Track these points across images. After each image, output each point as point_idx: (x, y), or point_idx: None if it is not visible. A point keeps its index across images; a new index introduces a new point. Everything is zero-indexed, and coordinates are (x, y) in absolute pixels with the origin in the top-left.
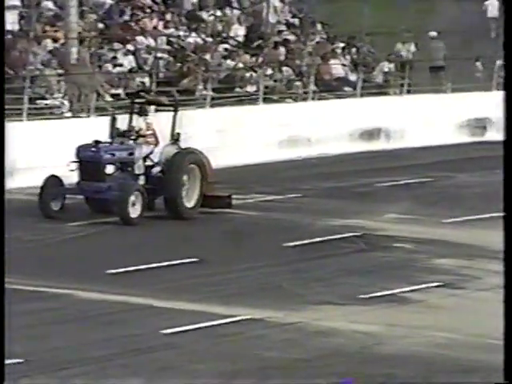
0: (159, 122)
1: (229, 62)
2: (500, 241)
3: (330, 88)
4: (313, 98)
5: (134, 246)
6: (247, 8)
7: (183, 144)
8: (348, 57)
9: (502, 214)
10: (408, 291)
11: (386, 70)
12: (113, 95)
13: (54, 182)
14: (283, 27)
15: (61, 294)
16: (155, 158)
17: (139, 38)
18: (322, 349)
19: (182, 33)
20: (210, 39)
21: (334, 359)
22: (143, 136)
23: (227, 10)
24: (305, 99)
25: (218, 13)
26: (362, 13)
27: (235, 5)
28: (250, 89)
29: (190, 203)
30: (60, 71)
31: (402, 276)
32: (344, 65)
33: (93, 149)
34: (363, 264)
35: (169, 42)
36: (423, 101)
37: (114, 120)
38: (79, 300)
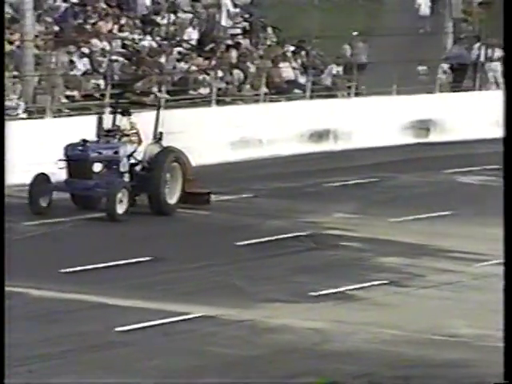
0: (141, 121)
1: (182, 64)
2: (443, 239)
3: (281, 90)
4: (264, 100)
5: (94, 245)
6: (200, 12)
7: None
8: (298, 60)
9: (445, 213)
10: (355, 289)
11: (334, 72)
12: (67, 97)
13: (42, 179)
14: (235, 31)
15: (13, 293)
16: (139, 156)
17: (94, 41)
18: (274, 345)
19: (136, 36)
20: (164, 42)
21: (286, 356)
22: (127, 135)
23: (181, 14)
24: (256, 101)
25: (172, 17)
26: (310, 17)
27: (189, 9)
28: (204, 91)
29: (172, 200)
30: (15, 73)
31: (349, 274)
32: (294, 68)
33: (80, 147)
34: (312, 262)
35: (124, 45)
36: (370, 103)
37: (100, 119)
38: (32, 298)
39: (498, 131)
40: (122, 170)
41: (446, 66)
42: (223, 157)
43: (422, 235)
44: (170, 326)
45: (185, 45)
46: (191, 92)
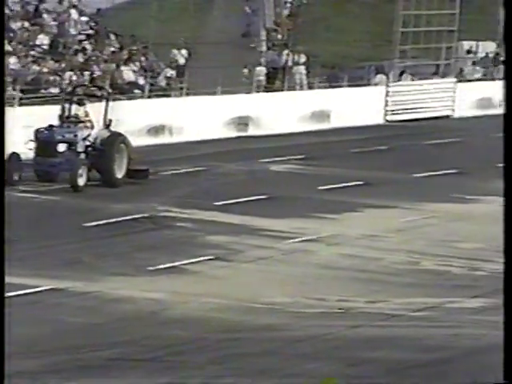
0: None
1: (35, 66)
2: (259, 219)
3: (123, 91)
4: (108, 99)
5: None
6: (52, 20)
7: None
8: (137, 63)
9: (260, 197)
10: (187, 264)
11: (169, 75)
12: None
13: (15, 157)
14: (82, 37)
15: None
16: (92, 139)
17: None
18: (117, 314)
19: None
20: (19, 47)
21: (128, 323)
22: (83, 122)
23: (34, 21)
24: (100, 100)
25: (26, 24)
26: (148, 26)
27: (43, 16)
28: (54, 90)
29: (120, 175)
30: None
31: (182, 251)
32: (134, 71)
33: (47, 131)
34: (151, 241)
35: None
36: (199, 102)
37: (63, 109)
38: None
39: (304, 126)
40: (79, 150)
41: (261, 69)
42: None
43: (242, 216)
44: (23, 297)
45: (37, 49)
46: (42, 91)
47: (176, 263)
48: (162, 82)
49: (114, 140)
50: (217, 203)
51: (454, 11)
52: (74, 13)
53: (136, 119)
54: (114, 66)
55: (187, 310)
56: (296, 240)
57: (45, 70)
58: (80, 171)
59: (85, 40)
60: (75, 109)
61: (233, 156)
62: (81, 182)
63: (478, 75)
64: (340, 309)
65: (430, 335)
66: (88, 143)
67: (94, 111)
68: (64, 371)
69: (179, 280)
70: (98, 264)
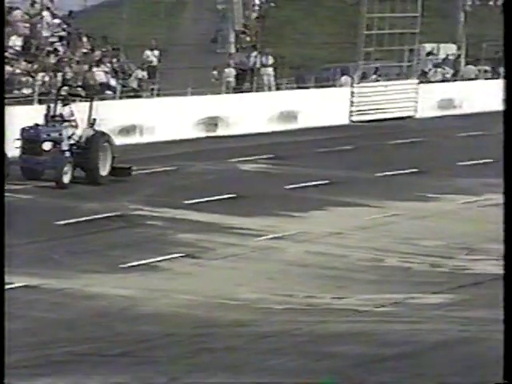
0: (78, 110)
1: (8, 67)
2: (228, 217)
3: (95, 92)
4: (80, 100)
5: None
6: (24, 22)
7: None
8: (109, 65)
9: (229, 196)
10: (158, 261)
11: (140, 76)
12: None
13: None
14: (54, 39)
15: None
16: (77, 137)
17: None
18: (89, 310)
19: None
20: None
21: (99, 319)
22: (68, 121)
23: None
24: (74, 101)
25: None
26: (120, 29)
27: (15, 18)
28: (26, 91)
29: (104, 172)
30: None
31: (153, 248)
32: (106, 72)
33: (33, 130)
34: (122, 239)
35: None
36: (169, 102)
37: (48, 108)
38: None
39: (272, 126)
40: (64, 148)
41: (230, 71)
42: None
43: (211, 215)
44: None
45: (10, 50)
46: (15, 92)
47: (147, 260)
48: (134, 84)
49: (98, 139)
50: (187, 202)
51: (415, 14)
52: (46, 15)
53: (108, 120)
54: (85, 67)
55: (158, 307)
56: (264, 238)
57: (18, 71)
58: (65, 169)
59: (57, 42)
60: (60, 108)
61: (203, 156)
62: (66, 179)
63: (440, 77)
64: (307, 305)
65: (393, 330)
66: (73, 142)
67: (78, 111)
68: (35, 367)
69: (150, 277)
70: (70, 261)
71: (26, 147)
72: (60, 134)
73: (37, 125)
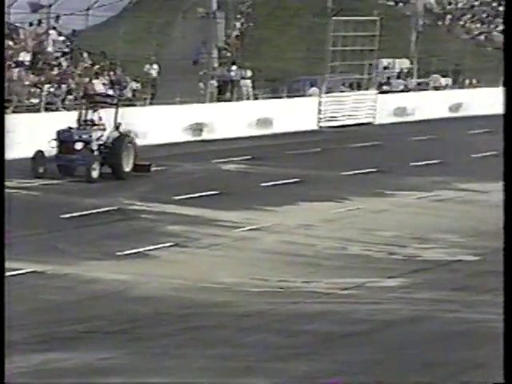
0: (106, 116)
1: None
2: (211, 211)
3: (94, 101)
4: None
5: None
6: (32, 39)
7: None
8: (107, 77)
9: (213, 192)
10: (150, 250)
11: (134, 87)
12: None
13: (40, 154)
14: (59, 54)
15: None
16: (104, 139)
17: None
18: (89, 293)
19: None
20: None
21: (98, 300)
22: (97, 124)
23: (16, 40)
24: (76, 109)
25: (10, 42)
26: (117, 46)
27: (22, 36)
28: (34, 100)
29: (127, 169)
30: None
31: (146, 238)
32: (104, 84)
33: (67, 132)
34: (119, 230)
35: None
36: (161, 110)
37: (80, 114)
38: None
39: (250, 131)
40: (93, 148)
41: (213, 83)
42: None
43: (197, 209)
44: (6, 279)
45: (21, 64)
46: (24, 101)
47: (140, 249)
48: (129, 94)
49: (123, 139)
50: (176, 197)
51: (374, 33)
52: (53, 33)
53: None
54: (86, 79)
55: (149, 290)
56: (243, 229)
57: (27, 82)
58: (94, 166)
59: (61, 57)
60: (90, 114)
61: (189, 157)
62: (95, 174)
63: (396, 88)
64: (281, 288)
65: (355, 310)
66: (101, 142)
67: (106, 116)
68: (43, 343)
69: (143, 264)
70: (72, 250)
71: (61, 147)
72: (90, 136)
73: (70, 128)
